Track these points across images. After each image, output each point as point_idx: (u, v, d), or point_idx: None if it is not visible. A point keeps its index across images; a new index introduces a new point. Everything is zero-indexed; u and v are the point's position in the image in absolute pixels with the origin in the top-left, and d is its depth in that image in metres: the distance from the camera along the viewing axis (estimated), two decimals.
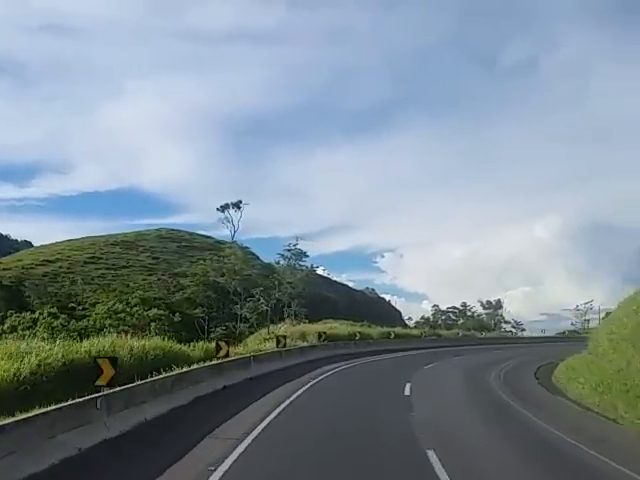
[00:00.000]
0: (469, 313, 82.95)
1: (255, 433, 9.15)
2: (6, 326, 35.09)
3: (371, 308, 74.67)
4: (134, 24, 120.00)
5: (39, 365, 10.71)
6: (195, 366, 13.00)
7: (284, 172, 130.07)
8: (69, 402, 7.59)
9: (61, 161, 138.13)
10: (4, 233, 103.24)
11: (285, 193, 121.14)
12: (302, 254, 64.42)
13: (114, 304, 38.80)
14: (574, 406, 15.46)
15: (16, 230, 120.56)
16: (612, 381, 16.42)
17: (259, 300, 36.73)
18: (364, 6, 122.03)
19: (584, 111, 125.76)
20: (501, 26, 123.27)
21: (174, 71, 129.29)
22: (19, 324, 34.91)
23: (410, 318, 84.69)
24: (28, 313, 36.88)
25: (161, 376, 10.82)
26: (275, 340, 23.16)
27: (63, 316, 34.44)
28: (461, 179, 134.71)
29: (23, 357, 10.81)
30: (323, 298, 66.75)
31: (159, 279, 61.44)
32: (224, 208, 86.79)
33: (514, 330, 78.31)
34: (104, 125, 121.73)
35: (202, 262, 57.23)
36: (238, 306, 38.27)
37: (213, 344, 21.87)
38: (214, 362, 14.38)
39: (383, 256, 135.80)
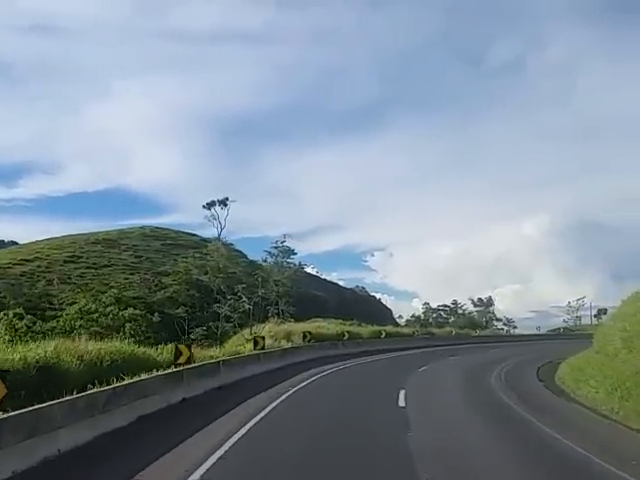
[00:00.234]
0: (460, 311, 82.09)
1: (201, 471, 6.71)
2: None
3: (361, 306, 72.83)
4: (121, 24, 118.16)
5: None
6: (144, 376, 10.77)
7: (273, 172, 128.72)
8: None
9: (49, 161, 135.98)
10: None
11: (274, 193, 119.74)
12: (290, 251, 62.49)
13: (86, 304, 36.44)
14: (592, 415, 13.51)
15: (3, 231, 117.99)
16: (632, 385, 14.56)
17: (241, 298, 34.51)
18: (352, 6, 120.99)
19: (573, 109, 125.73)
20: (489, 25, 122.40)
21: (161, 71, 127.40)
22: None
23: (401, 316, 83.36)
24: None
25: (91, 391, 8.61)
26: (253, 341, 20.91)
27: (29, 317, 32.09)
28: (450, 177, 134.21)
29: None
30: (312, 296, 65.04)
31: (141, 278, 59.18)
32: (210, 205, 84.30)
33: (506, 327, 77.43)
34: (92, 125, 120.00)
35: (184, 259, 54.96)
36: (219, 305, 35.98)
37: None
38: (172, 370, 12.15)
39: (373, 255, 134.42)
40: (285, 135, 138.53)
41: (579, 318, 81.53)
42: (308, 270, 68.92)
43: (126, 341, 22.90)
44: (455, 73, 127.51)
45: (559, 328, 74.29)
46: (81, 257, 70.93)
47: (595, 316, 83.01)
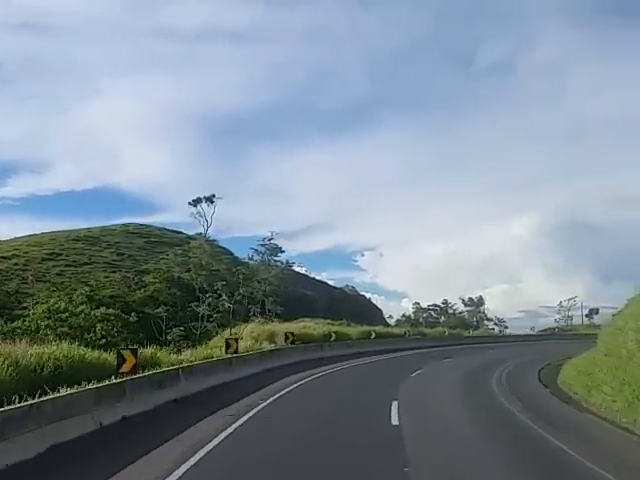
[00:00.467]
0: (450, 311, 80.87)
1: None
2: None
3: (351, 306, 70.97)
4: (111, 22, 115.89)
5: None
6: (71, 390, 8.56)
7: (263, 171, 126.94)
8: None
9: (38, 160, 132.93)
10: None
11: (265, 192, 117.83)
12: (277, 249, 60.49)
13: (56, 302, 34.00)
14: (612, 428, 11.61)
15: None
16: None
17: (220, 296, 32.25)
18: (342, 5, 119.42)
19: (562, 109, 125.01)
20: (479, 26, 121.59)
21: (151, 69, 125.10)
22: None
23: (391, 316, 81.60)
24: None
25: None
26: (225, 344, 18.60)
27: None
28: (440, 177, 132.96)
29: None
30: (300, 296, 63.19)
31: (122, 276, 56.94)
32: (196, 202, 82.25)
33: (497, 327, 76.35)
34: (81, 124, 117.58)
35: (165, 257, 52.73)
36: (196, 303, 33.67)
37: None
38: (113, 382, 9.92)
39: (363, 255, 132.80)
40: (276, 134, 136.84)
41: (570, 318, 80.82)
42: (296, 269, 67.01)
43: (76, 344, 20.77)
44: (445, 73, 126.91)
45: (553, 328, 73.15)
46: (60, 254, 68.52)
47: (586, 316, 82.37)
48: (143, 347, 20.21)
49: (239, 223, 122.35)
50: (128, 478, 6.56)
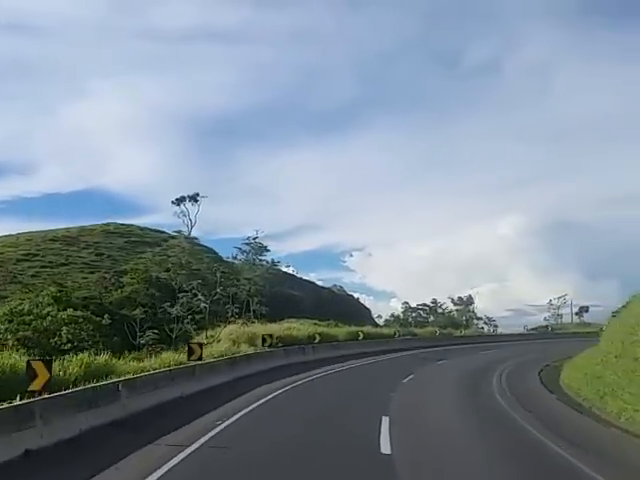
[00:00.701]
0: (440, 310, 79.61)
1: None
2: None
3: (339, 306, 69.08)
4: (97, 23, 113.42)
5: None
6: None
7: (251, 172, 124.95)
8: None
9: (24, 162, 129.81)
10: None
11: (253, 193, 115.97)
12: (262, 248, 58.40)
13: (19, 304, 31.53)
14: None
15: None
16: None
17: (196, 295, 30.02)
18: (330, 6, 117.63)
19: (549, 110, 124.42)
20: (466, 27, 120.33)
21: (138, 70, 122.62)
22: None
23: (380, 316, 79.89)
24: None
25: None
26: (187, 349, 16.28)
27: None
28: (428, 178, 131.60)
29: None
30: (287, 296, 61.20)
31: (100, 277, 54.53)
32: (180, 201, 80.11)
33: (487, 326, 75.27)
34: (67, 125, 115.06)
35: (142, 256, 50.37)
36: (169, 304, 31.37)
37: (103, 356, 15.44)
38: (13, 404, 7.62)
39: (351, 255, 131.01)
40: (263, 135, 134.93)
41: (560, 316, 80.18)
42: (283, 268, 65.12)
43: (22, 351, 18.52)
44: (433, 74, 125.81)
45: (546, 327, 71.84)
46: (37, 255, 65.96)
47: (576, 314, 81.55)
48: (113, 352, 18.07)
49: (227, 224, 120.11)
50: None
